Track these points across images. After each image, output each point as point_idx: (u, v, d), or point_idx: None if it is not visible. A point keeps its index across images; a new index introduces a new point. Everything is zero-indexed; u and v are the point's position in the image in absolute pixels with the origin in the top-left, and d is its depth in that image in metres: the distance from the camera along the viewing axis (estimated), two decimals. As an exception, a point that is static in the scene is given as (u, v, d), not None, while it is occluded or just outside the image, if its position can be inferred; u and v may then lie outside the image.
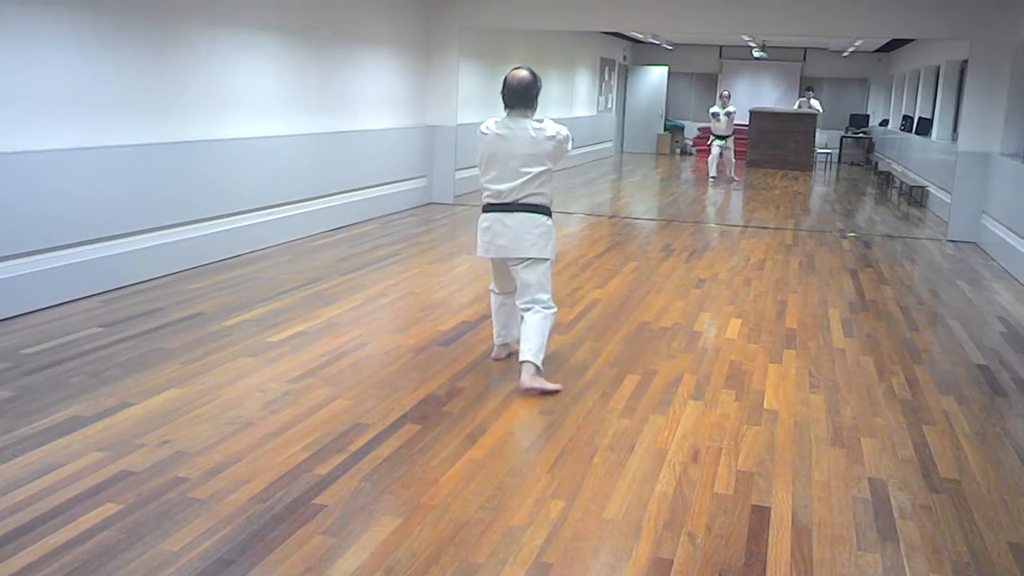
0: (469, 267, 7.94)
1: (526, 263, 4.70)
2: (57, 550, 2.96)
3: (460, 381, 4.83)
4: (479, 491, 3.52)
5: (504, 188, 4.64)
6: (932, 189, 13.29)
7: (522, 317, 4.77)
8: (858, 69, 22.24)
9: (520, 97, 4.61)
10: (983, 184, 9.94)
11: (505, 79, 4.64)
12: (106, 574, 2.84)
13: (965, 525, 3.43)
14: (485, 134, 4.67)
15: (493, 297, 5.16)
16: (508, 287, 5.00)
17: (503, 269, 4.90)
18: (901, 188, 14.79)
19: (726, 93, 17.23)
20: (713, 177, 16.49)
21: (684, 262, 8.47)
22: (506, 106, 4.66)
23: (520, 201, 4.64)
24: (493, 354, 5.23)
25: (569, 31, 16.15)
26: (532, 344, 4.65)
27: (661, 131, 22.66)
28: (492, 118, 4.74)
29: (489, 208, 4.72)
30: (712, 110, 16.80)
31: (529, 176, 4.60)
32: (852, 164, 21.09)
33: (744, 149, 20.49)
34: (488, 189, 4.71)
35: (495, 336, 5.24)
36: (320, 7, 9.09)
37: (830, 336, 6.03)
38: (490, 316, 6.13)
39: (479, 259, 8.17)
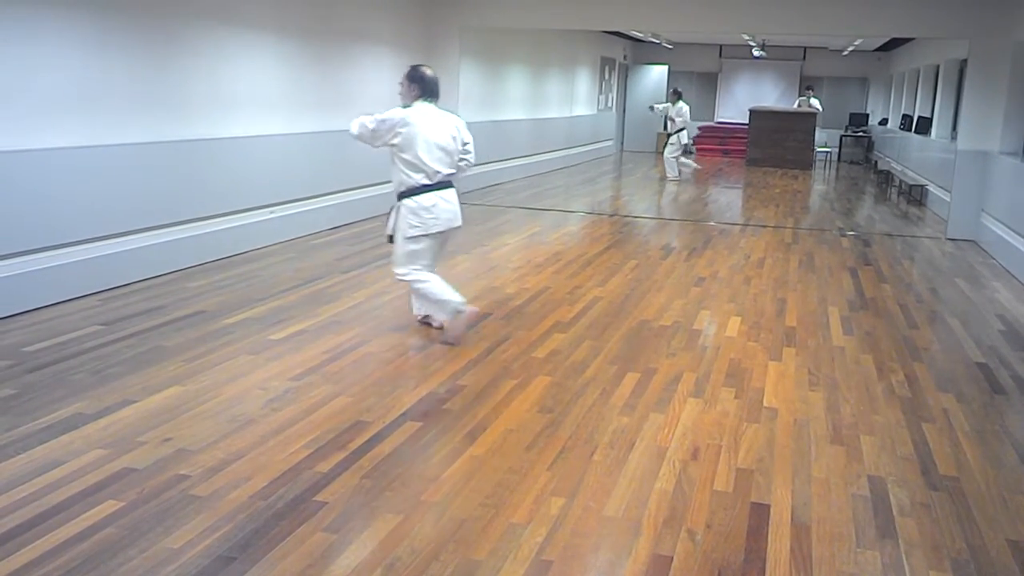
0: (469, 265, 7.95)
1: (455, 230, 5.52)
2: (59, 547, 2.97)
3: (460, 379, 4.84)
4: (479, 488, 3.53)
5: (435, 167, 5.24)
6: (931, 188, 13.30)
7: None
8: (857, 68, 22.24)
9: (439, 90, 5.35)
10: (982, 182, 9.95)
11: (424, 74, 5.29)
12: (108, 571, 2.85)
13: (964, 522, 3.44)
14: (410, 123, 5.16)
15: (430, 275, 5.44)
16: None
17: (436, 244, 5.47)
18: (900, 187, 14.80)
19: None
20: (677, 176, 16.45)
21: (684, 260, 8.47)
22: (433, 96, 5.30)
23: (446, 179, 5.35)
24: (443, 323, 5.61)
25: (569, 30, 16.15)
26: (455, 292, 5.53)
27: (661, 130, 22.63)
28: (404, 108, 5.24)
29: (426, 188, 5.26)
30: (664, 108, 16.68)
31: (453, 155, 5.34)
32: (851, 163, 21.10)
33: (744, 147, 20.52)
34: (423, 171, 5.22)
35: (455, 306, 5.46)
36: (321, 7, 9.09)
37: (829, 334, 6.04)
38: (490, 314, 6.17)
39: (479, 257, 8.24)
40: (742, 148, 20.81)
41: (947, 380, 5.17)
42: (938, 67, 14.69)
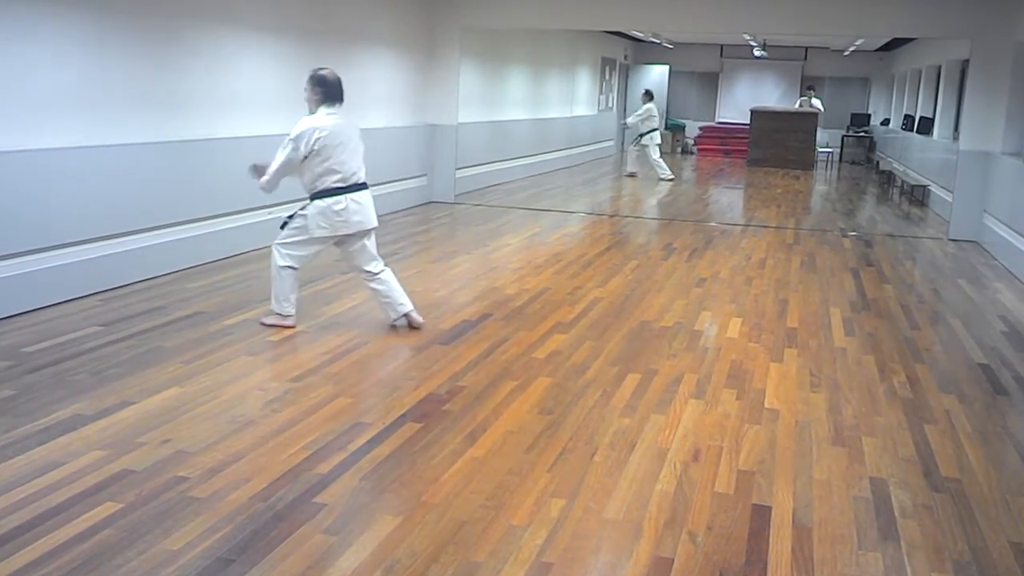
0: (469, 266, 7.95)
1: (371, 232, 5.55)
2: (58, 548, 2.96)
3: (460, 380, 4.83)
4: (479, 490, 3.52)
5: (348, 170, 5.33)
6: (933, 188, 13.28)
7: (374, 279, 5.60)
8: (859, 68, 22.22)
9: (342, 90, 5.38)
10: (984, 183, 9.94)
11: (325, 77, 5.32)
12: (107, 572, 2.84)
13: (966, 524, 3.42)
14: (320, 127, 5.22)
15: (294, 271, 5.56)
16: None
17: (323, 247, 5.58)
18: (902, 187, 14.78)
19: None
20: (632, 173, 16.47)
21: (685, 261, 8.46)
22: (336, 100, 5.33)
23: (360, 180, 5.42)
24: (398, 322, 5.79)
25: (570, 30, 16.15)
26: (404, 295, 5.72)
27: (662, 130, 22.61)
28: (312, 117, 5.29)
29: (339, 191, 5.32)
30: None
31: (360, 157, 5.44)
32: (853, 163, 21.08)
33: (745, 148, 20.51)
34: (336, 173, 5.30)
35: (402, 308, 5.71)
36: (321, 7, 9.08)
37: (831, 335, 6.02)
38: (489, 315, 6.17)
39: (479, 258, 8.24)
40: (743, 148, 20.78)
41: (949, 381, 5.16)
42: (940, 67, 14.67)
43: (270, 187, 5.42)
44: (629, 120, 16.66)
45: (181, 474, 3.55)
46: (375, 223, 5.55)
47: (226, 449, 3.80)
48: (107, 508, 3.25)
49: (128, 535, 3.06)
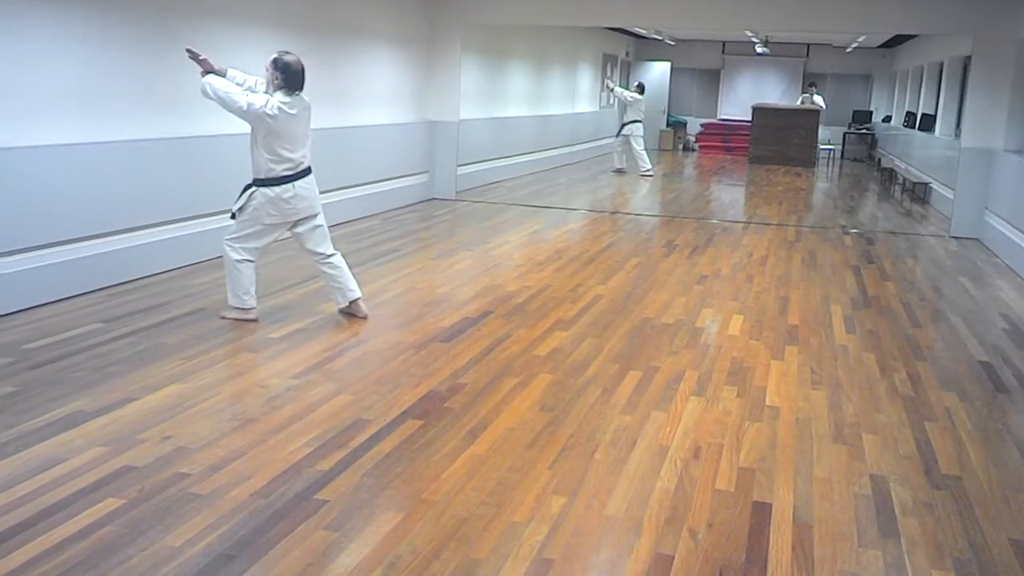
0: (470, 263, 7.94)
1: (319, 215, 5.64)
2: (59, 545, 2.97)
3: (461, 377, 4.83)
4: (480, 487, 3.52)
5: (299, 157, 5.40)
6: (935, 185, 13.27)
7: (326, 261, 5.71)
8: (861, 65, 22.18)
9: (304, 79, 5.36)
10: (986, 180, 9.93)
11: (290, 64, 5.27)
12: (108, 569, 2.84)
13: (966, 522, 3.42)
14: (275, 115, 5.19)
15: (250, 265, 5.58)
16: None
17: (276, 235, 5.60)
18: (904, 184, 14.78)
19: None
20: (620, 168, 16.39)
21: (686, 258, 8.46)
22: (295, 89, 5.32)
23: (307, 166, 5.48)
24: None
25: (571, 27, 16.13)
26: (355, 281, 5.84)
27: (664, 127, 22.61)
28: (269, 99, 5.21)
29: (286, 179, 5.38)
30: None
31: (308, 144, 5.49)
32: (855, 160, 21.07)
33: (747, 144, 20.50)
34: (288, 161, 5.35)
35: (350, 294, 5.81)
36: (322, 2, 9.07)
37: (832, 332, 6.02)
38: (491, 312, 6.16)
39: (480, 255, 8.24)
40: (745, 145, 20.78)
41: (950, 379, 5.16)
42: (942, 64, 14.65)
43: (205, 88, 5.22)
44: (620, 92, 16.53)
45: (182, 471, 3.55)
46: (320, 208, 5.67)
47: (227, 446, 3.81)
48: (108, 505, 3.25)
49: (129, 531, 3.07)
